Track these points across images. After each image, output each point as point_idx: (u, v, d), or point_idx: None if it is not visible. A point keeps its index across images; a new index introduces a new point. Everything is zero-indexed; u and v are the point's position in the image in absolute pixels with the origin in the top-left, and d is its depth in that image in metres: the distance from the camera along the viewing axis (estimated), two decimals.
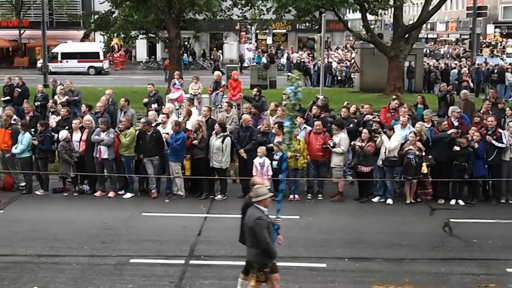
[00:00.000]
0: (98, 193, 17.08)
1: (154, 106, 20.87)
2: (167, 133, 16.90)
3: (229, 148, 16.66)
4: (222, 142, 16.47)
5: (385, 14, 36.83)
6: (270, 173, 15.93)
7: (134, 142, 16.84)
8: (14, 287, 11.16)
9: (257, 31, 51.92)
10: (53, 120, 18.72)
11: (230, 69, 33.46)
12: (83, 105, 19.49)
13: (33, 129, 17.44)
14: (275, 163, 16.13)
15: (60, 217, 15.32)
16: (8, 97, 23.68)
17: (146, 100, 22.08)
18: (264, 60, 43.63)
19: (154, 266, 12.12)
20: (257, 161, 16.18)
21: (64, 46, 55.29)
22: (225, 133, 16.69)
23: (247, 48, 55.99)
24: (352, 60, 41.27)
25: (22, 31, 60.58)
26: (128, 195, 17.00)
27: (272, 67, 40.24)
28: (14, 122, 17.89)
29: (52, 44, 51.52)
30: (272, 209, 9.78)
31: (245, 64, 51.34)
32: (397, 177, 16.48)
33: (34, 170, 17.31)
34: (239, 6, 33.81)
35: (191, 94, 23.19)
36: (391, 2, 33.22)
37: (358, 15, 36.90)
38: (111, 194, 17.01)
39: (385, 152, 16.25)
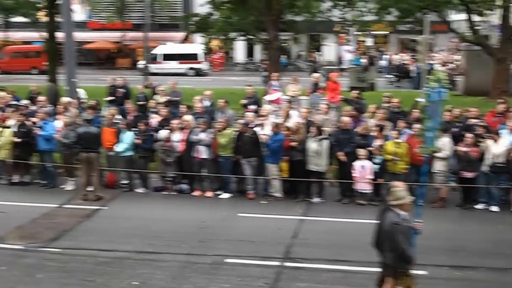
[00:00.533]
0: (196, 193, 17.27)
1: (253, 107, 20.91)
2: (265, 135, 16.91)
3: (326, 151, 16.49)
4: (319, 145, 16.34)
5: (492, 14, 35.54)
6: (371, 176, 15.70)
7: (231, 142, 16.93)
8: (114, 282, 11.39)
9: (357, 33, 51.39)
10: (154, 120, 19.03)
11: (328, 71, 33.19)
12: (183, 106, 19.73)
13: (135, 129, 17.78)
14: (376, 166, 15.89)
15: (159, 215, 15.58)
16: (111, 97, 24.25)
17: (244, 101, 22.19)
18: (363, 61, 43.18)
19: (249, 266, 12.09)
20: (358, 163, 15.98)
21: (165, 48, 56.38)
22: (322, 136, 16.54)
23: (346, 50, 55.56)
24: (458, 62, 40.27)
25: (125, 33, 62.15)
26: (225, 195, 17.10)
27: (372, 69, 39.77)
28: (118, 121, 18.31)
29: (153, 45, 52.53)
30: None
31: (343, 66, 50.94)
32: (503, 184, 15.87)
33: (135, 169, 17.68)
34: (339, 8, 33.53)
35: (289, 95, 23.14)
36: (498, 2, 32.16)
37: (463, 15, 35.89)
38: (209, 194, 17.15)
39: (491, 158, 15.70)
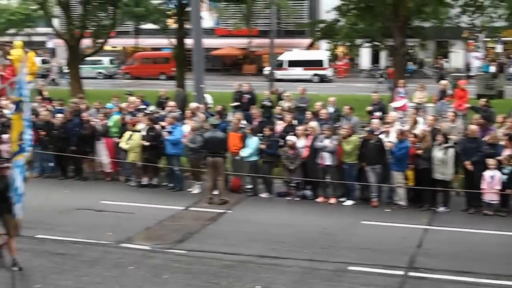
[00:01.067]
0: (319, 199, 17.28)
1: (378, 114, 20.72)
2: (391, 142, 16.73)
3: (452, 159, 16.12)
4: (445, 153, 16.00)
5: None
6: (499, 187, 15.25)
7: (356, 149, 16.86)
8: (238, 285, 11.56)
9: (486, 39, 49.86)
10: (279, 126, 19.21)
11: (456, 78, 32.39)
12: (309, 112, 19.80)
13: (260, 134, 18.01)
14: (504, 177, 15.41)
15: (282, 220, 15.70)
16: (237, 103, 24.64)
17: (370, 108, 22.04)
18: (492, 69, 41.85)
19: (372, 275, 11.99)
20: (487, 173, 15.56)
21: (290, 54, 56.81)
22: (448, 144, 16.19)
23: (474, 57, 54.01)
24: None
25: (251, 40, 63.05)
26: (349, 202, 17.02)
27: (501, 76, 38.49)
28: (243, 126, 18.60)
29: (278, 52, 53.01)
30: None
31: (471, 73, 49.53)
32: None
33: (260, 173, 17.88)
34: (468, 13, 32.67)
35: (416, 102, 22.79)
36: None
37: None
38: (332, 200, 17.12)
39: None
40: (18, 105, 11.38)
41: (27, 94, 11.58)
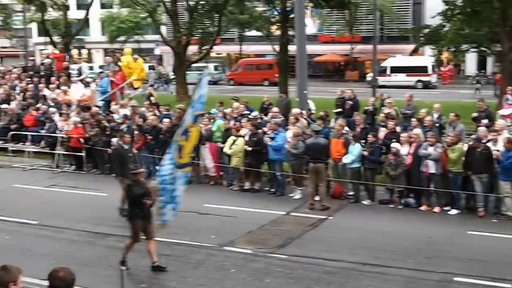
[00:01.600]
0: (423, 207, 16.97)
1: (485, 121, 20.20)
2: (498, 150, 16.26)
3: None
4: None
5: None
6: None
7: (462, 157, 16.48)
8: None
9: None
10: (382, 132, 19.03)
11: None
12: (414, 119, 19.51)
13: (363, 141, 17.87)
14: None
15: (385, 227, 15.52)
16: (340, 109, 24.56)
17: (475, 115, 21.50)
18: None
19: (478, 287, 11.70)
20: None
21: (393, 60, 56.16)
22: None
23: None
24: None
25: (353, 46, 62.74)
26: (453, 211, 16.64)
27: None
28: (346, 132, 18.51)
29: (381, 58, 52.45)
30: None
31: None
32: None
33: (362, 180, 17.76)
34: None
35: None
36: None
37: None
38: (436, 209, 16.78)
39: None
40: (197, 118, 11.89)
41: (202, 108, 12.21)
